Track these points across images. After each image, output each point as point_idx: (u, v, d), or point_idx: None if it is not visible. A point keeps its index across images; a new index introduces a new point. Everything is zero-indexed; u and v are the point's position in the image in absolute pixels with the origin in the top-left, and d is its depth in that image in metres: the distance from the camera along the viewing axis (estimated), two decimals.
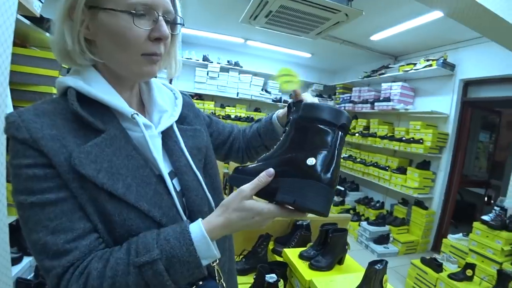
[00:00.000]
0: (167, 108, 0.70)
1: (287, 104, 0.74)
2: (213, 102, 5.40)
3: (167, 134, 0.67)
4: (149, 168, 0.58)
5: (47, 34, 1.87)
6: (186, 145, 0.68)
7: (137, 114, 0.59)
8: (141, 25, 0.54)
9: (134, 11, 0.53)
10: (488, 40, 2.94)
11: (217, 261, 0.64)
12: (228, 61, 5.38)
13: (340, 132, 0.56)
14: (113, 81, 0.60)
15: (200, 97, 5.38)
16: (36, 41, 2.10)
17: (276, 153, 0.60)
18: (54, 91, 1.89)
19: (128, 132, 0.59)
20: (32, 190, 0.49)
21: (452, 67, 3.62)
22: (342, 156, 5.17)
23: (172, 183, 0.62)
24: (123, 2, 0.53)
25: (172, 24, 0.62)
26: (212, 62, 5.23)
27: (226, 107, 5.42)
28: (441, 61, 3.58)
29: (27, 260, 1.80)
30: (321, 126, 0.56)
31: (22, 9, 1.57)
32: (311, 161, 0.54)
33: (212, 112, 5.23)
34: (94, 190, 0.51)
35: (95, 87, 0.57)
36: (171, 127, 0.68)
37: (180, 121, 0.72)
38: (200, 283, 0.61)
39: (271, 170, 0.56)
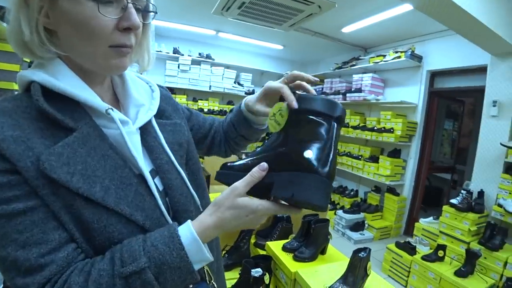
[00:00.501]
0: (143, 102, 0.64)
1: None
2: (185, 96, 5.27)
3: (145, 130, 0.61)
4: (128, 167, 0.53)
5: (4, 24, 1.72)
6: (166, 141, 0.63)
7: (112, 109, 0.53)
8: (107, 13, 0.47)
9: None
10: (453, 33, 3.08)
11: None
12: (199, 54, 5.27)
13: (336, 124, 0.55)
14: (80, 74, 0.54)
15: (171, 91, 5.22)
16: None
17: (269, 147, 0.57)
18: (16, 87, 1.76)
19: (103, 129, 0.53)
20: None
21: (419, 58, 3.76)
22: None
23: (154, 183, 0.57)
24: None
25: (144, 12, 0.55)
26: (183, 55, 5.09)
27: (199, 101, 5.31)
28: (409, 53, 3.70)
29: None
30: (317, 119, 0.54)
31: None
32: (308, 153, 0.52)
33: (184, 106, 5.11)
34: (69, 196, 0.45)
35: (62, 80, 0.51)
36: (149, 122, 0.62)
37: (159, 115, 0.67)
38: (191, 286, 0.58)
39: (264, 164, 0.53)
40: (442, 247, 2.60)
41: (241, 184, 0.52)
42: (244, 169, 0.55)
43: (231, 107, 5.76)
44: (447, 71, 3.62)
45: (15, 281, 0.44)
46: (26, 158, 0.44)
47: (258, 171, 0.53)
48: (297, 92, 0.63)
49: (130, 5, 0.49)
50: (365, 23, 3.60)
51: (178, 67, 5.06)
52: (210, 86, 5.31)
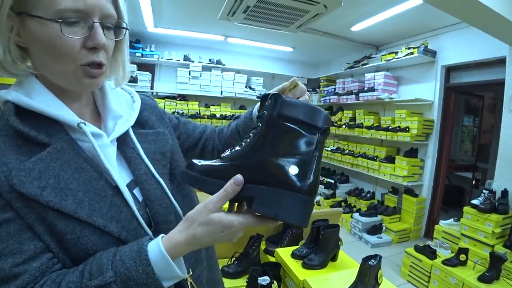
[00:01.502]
0: (122, 113, 0.64)
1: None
2: (197, 102, 5.31)
3: (124, 141, 0.62)
4: (104, 179, 0.54)
5: None
6: (147, 151, 0.63)
7: (84, 123, 0.54)
8: (73, 33, 0.48)
9: (60, 20, 0.47)
10: (467, 25, 2.96)
11: (191, 273, 0.59)
12: (209, 60, 5.30)
13: (322, 137, 0.51)
14: (57, 91, 0.55)
15: (183, 97, 5.28)
16: None
17: (245, 153, 0.52)
18: None
19: (79, 143, 0.54)
20: None
21: (433, 53, 3.64)
22: (330, 149, 5.21)
23: (134, 193, 0.59)
24: (51, 9, 0.46)
25: (116, 28, 0.56)
26: (193, 62, 5.13)
27: (211, 107, 5.34)
28: (422, 48, 3.59)
29: None
30: (302, 130, 0.50)
31: None
32: (292, 169, 0.48)
33: (197, 113, 5.15)
34: (41, 209, 0.47)
35: (36, 98, 0.52)
36: (127, 133, 0.63)
37: (141, 125, 0.68)
38: None
39: (239, 178, 0.49)
40: (464, 251, 2.46)
41: (214, 200, 0.49)
42: (216, 175, 0.51)
43: (244, 111, 5.85)
44: (463, 65, 3.48)
45: None
46: (0, 174, 0.46)
47: (233, 185, 0.49)
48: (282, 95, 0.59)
49: (96, 24, 0.50)
50: (374, 20, 3.51)
51: (189, 74, 5.11)
52: (221, 91, 5.33)
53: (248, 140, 0.53)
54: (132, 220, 0.54)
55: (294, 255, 1.55)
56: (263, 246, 1.88)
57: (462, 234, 2.71)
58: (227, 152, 0.54)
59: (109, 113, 0.63)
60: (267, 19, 2.98)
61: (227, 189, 0.49)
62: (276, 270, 1.56)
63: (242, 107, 5.64)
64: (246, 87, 5.55)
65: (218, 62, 5.33)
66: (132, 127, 0.64)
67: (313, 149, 0.50)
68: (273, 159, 0.49)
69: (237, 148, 0.54)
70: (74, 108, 0.57)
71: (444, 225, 2.98)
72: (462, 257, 2.45)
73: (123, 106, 0.66)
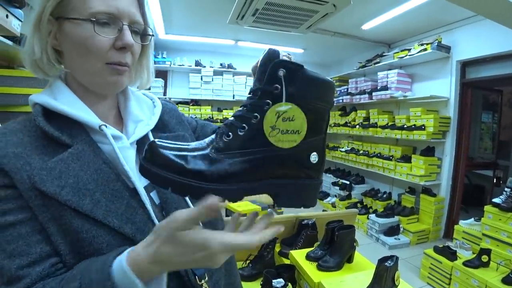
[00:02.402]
0: (142, 117, 0.67)
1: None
2: (209, 107, 5.35)
3: (143, 144, 0.61)
4: (121, 181, 0.55)
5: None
6: None
7: (105, 126, 0.56)
8: (104, 33, 0.53)
9: (94, 19, 0.52)
10: (482, 18, 2.88)
11: (206, 278, 0.58)
12: (221, 64, 5.34)
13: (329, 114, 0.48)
14: (82, 93, 0.59)
15: (196, 102, 5.34)
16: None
17: (247, 145, 0.43)
18: (30, 109, 1.85)
19: (99, 145, 0.57)
20: None
21: (447, 49, 3.56)
22: (344, 150, 5.16)
23: (151, 196, 0.59)
24: (85, 11, 0.52)
25: (142, 35, 0.61)
26: (205, 67, 5.19)
27: (224, 111, 5.37)
28: (436, 44, 3.51)
29: None
30: (322, 106, 0.45)
31: (2, 30, 1.53)
32: (314, 157, 0.44)
33: (209, 117, 5.19)
34: (59, 208, 0.48)
35: (61, 100, 0.56)
36: (146, 136, 0.64)
37: (161, 129, 0.69)
38: None
39: (214, 202, 0.39)
40: (486, 252, 2.38)
41: (181, 217, 0.41)
42: (216, 176, 0.41)
43: None
44: (479, 59, 3.38)
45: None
46: (23, 172, 0.48)
47: (209, 210, 0.40)
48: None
49: (126, 27, 0.55)
50: (385, 18, 3.46)
51: (201, 79, 5.16)
52: (233, 95, 5.36)
53: (251, 123, 0.43)
54: (147, 222, 0.55)
55: (308, 257, 1.54)
56: (277, 248, 1.87)
57: (483, 234, 2.62)
58: (222, 142, 0.44)
59: (130, 117, 0.65)
60: (276, 21, 2.98)
61: (201, 210, 0.40)
62: (291, 273, 1.54)
63: None
64: None
65: (230, 66, 5.36)
66: (152, 131, 0.66)
67: (325, 129, 0.46)
68: (292, 149, 0.43)
69: (237, 136, 0.43)
70: (97, 111, 0.59)
71: (464, 225, 2.89)
72: (484, 258, 2.36)
73: (144, 111, 0.69)
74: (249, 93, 0.45)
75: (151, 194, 0.60)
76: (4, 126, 0.53)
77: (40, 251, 0.48)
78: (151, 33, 0.63)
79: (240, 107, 0.46)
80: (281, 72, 0.41)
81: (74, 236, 0.49)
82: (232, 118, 0.45)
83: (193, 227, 0.42)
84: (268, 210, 0.48)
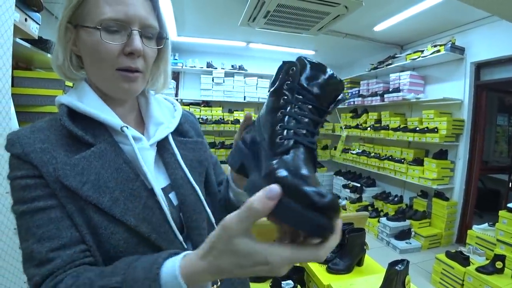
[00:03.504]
0: (163, 120, 0.68)
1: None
2: (220, 108, 5.39)
3: (163, 147, 0.65)
4: (140, 181, 0.56)
5: (48, 55, 1.89)
6: (185, 158, 0.66)
7: (127, 127, 0.58)
8: (112, 40, 0.54)
9: (100, 27, 0.53)
10: (496, 19, 2.83)
11: (218, 283, 0.60)
12: (232, 66, 5.37)
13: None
14: (104, 96, 0.61)
15: (207, 104, 5.37)
16: (40, 62, 2.13)
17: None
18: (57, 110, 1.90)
19: (120, 145, 0.58)
20: (24, 199, 0.51)
21: (461, 50, 3.49)
22: (355, 152, 5.10)
23: (169, 197, 0.61)
24: (96, 18, 0.54)
25: (158, 39, 0.61)
26: (216, 68, 5.22)
27: (234, 112, 5.40)
28: (449, 45, 3.45)
29: None
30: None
31: (21, 33, 1.58)
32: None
33: (220, 118, 5.22)
34: (81, 202, 0.51)
35: (85, 101, 0.58)
36: (166, 139, 0.66)
37: (181, 134, 0.71)
38: None
39: (275, 189, 0.34)
40: (501, 258, 2.32)
41: (233, 220, 0.36)
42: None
43: None
44: (494, 61, 3.30)
45: (28, 271, 0.49)
46: (49, 165, 0.51)
47: (264, 200, 0.34)
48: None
49: (135, 32, 0.55)
50: (398, 19, 3.42)
51: (212, 80, 5.20)
52: (244, 96, 5.38)
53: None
54: (163, 223, 0.56)
55: None
56: None
57: (498, 240, 2.56)
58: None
59: (151, 119, 0.67)
60: (287, 23, 2.99)
61: (253, 205, 0.34)
62: (300, 275, 1.54)
63: None
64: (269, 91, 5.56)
65: (241, 67, 5.39)
66: (172, 134, 0.68)
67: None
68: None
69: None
70: (118, 112, 0.61)
71: (478, 230, 2.83)
72: (499, 264, 2.31)
73: (165, 114, 0.70)
74: None
75: (170, 195, 0.61)
76: (32, 125, 0.56)
77: (71, 235, 0.50)
78: (166, 36, 0.63)
79: None
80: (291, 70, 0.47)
81: (94, 230, 0.51)
82: None
83: (249, 233, 0.37)
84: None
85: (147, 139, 0.62)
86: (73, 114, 0.56)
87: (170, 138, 0.66)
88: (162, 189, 0.60)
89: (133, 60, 0.56)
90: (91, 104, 0.58)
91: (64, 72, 0.60)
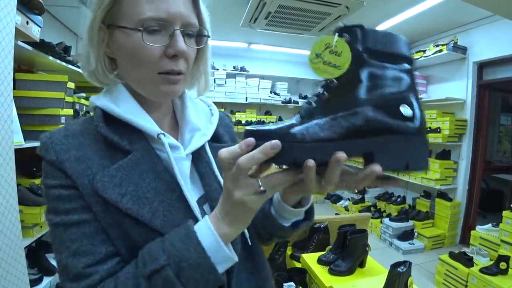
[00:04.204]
0: (200, 126, 0.63)
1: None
2: (222, 109, 5.28)
3: (199, 155, 0.61)
4: (179, 191, 0.54)
5: (50, 57, 1.89)
6: (221, 166, 0.60)
7: (164, 134, 0.55)
8: (154, 41, 0.50)
9: (142, 28, 0.49)
10: (499, 18, 2.81)
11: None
12: (234, 67, 5.37)
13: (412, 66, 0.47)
14: (140, 99, 0.57)
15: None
16: (42, 65, 2.14)
17: (334, 102, 0.44)
18: (61, 112, 1.91)
19: (158, 153, 0.56)
20: (57, 210, 0.49)
21: (463, 50, 3.48)
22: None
23: (203, 209, 0.58)
24: (134, 18, 0.49)
25: (198, 37, 0.57)
26: (218, 70, 5.22)
27: (236, 113, 5.40)
28: (452, 45, 3.44)
29: (47, 281, 1.80)
30: (400, 63, 0.45)
31: (23, 36, 1.59)
32: (405, 110, 0.43)
33: None
34: (118, 215, 0.49)
35: (121, 106, 0.55)
36: (203, 147, 0.62)
37: (217, 139, 0.66)
38: None
39: (276, 142, 0.40)
40: (505, 259, 2.30)
41: (223, 154, 0.43)
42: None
43: (269, 117, 5.78)
44: (497, 60, 3.30)
45: (65, 284, 0.48)
46: (84, 177, 0.49)
47: (246, 146, 0.42)
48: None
49: (177, 32, 0.51)
50: (399, 19, 3.41)
51: (214, 81, 5.19)
52: (246, 97, 5.38)
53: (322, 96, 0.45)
54: None
55: (320, 261, 1.53)
56: (289, 251, 1.87)
57: (501, 241, 2.55)
58: (306, 111, 0.45)
59: (187, 125, 0.62)
60: (289, 24, 2.99)
61: (239, 161, 0.42)
62: (302, 276, 1.54)
63: (267, 113, 5.66)
64: (271, 92, 5.56)
65: (242, 69, 5.39)
66: (208, 140, 0.63)
67: (411, 83, 0.45)
68: (379, 103, 0.43)
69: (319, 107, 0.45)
70: (154, 117, 0.58)
71: (482, 230, 2.82)
72: (503, 265, 2.29)
73: (201, 119, 0.65)
74: None
75: (204, 207, 0.59)
76: (65, 128, 0.54)
77: (106, 250, 0.49)
78: (207, 34, 0.58)
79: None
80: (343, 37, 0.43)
81: (132, 243, 0.49)
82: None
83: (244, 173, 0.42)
84: None
85: (183, 147, 0.58)
86: (108, 118, 0.54)
87: (207, 147, 0.62)
88: (197, 200, 0.58)
89: (175, 62, 0.52)
90: (127, 109, 0.55)
91: (97, 77, 0.56)
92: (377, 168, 0.42)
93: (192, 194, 0.56)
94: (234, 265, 0.50)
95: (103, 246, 0.49)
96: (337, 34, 0.43)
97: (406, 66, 0.46)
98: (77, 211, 0.49)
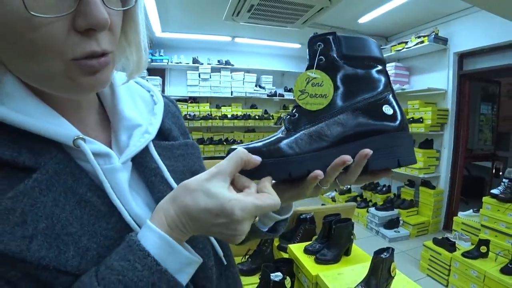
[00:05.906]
0: (139, 120, 0.46)
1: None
2: (208, 104, 5.35)
3: (142, 160, 0.45)
4: (117, 215, 0.39)
5: None
6: (174, 171, 0.47)
7: (83, 139, 0.38)
8: (48, 9, 0.29)
9: None
10: (478, 10, 2.86)
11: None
12: (218, 61, 5.33)
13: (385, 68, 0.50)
14: (44, 94, 0.38)
15: (194, 100, 5.33)
16: None
17: (323, 115, 0.45)
18: None
19: (78, 162, 0.39)
20: None
21: (444, 41, 3.55)
22: None
23: None
24: None
25: None
26: (202, 64, 5.17)
27: (222, 107, 5.37)
28: (433, 36, 3.50)
29: None
30: (374, 65, 0.47)
31: None
32: (387, 109, 0.45)
33: (208, 114, 5.19)
34: (30, 268, 0.32)
35: (11, 104, 0.35)
36: (146, 149, 0.46)
37: (164, 135, 0.51)
38: None
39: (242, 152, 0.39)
40: (485, 242, 2.39)
41: (225, 165, 0.37)
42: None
43: (255, 110, 5.73)
44: (476, 51, 3.37)
45: None
46: None
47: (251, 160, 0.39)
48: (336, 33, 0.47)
49: None
50: (382, 11, 3.44)
51: (199, 76, 5.15)
52: (231, 91, 5.35)
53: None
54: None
55: (306, 251, 1.55)
56: (276, 242, 1.89)
57: (482, 225, 2.63)
58: (290, 123, 0.46)
59: (122, 121, 0.45)
60: (272, 16, 2.98)
61: (247, 159, 0.39)
62: (289, 266, 1.56)
63: (253, 106, 5.64)
64: (256, 86, 5.55)
65: (227, 62, 5.35)
66: (153, 139, 0.47)
67: (387, 82, 0.47)
68: (361, 107, 0.45)
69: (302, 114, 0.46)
70: (69, 116, 0.40)
71: (463, 216, 2.90)
72: (483, 248, 2.37)
73: (140, 110, 0.49)
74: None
75: None
76: None
77: None
78: None
79: None
80: (318, 46, 0.45)
81: None
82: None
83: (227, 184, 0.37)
84: None
85: (117, 154, 0.42)
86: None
87: (152, 150, 0.46)
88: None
89: (93, 38, 0.33)
90: (22, 108, 0.36)
91: None
92: (366, 150, 0.42)
93: (137, 215, 0.41)
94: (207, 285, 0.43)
95: None
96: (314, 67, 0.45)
97: (380, 67, 0.48)
98: None
